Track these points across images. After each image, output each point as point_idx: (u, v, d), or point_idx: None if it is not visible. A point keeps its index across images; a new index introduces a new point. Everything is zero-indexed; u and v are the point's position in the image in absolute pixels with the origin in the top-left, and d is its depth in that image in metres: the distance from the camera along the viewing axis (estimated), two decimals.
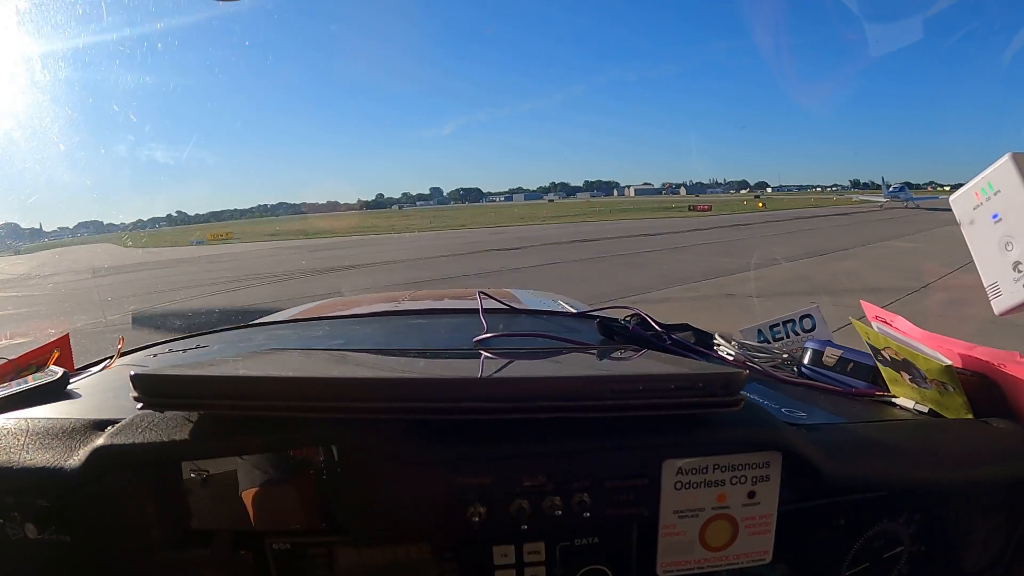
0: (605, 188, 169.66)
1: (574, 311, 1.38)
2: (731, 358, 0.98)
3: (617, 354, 0.82)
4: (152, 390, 0.51)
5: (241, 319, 1.69)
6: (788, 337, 1.09)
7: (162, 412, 0.54)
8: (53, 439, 0.58)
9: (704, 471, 0.56)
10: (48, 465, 0.55)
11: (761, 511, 0.58)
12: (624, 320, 1.00)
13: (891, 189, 41.14)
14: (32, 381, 0.81)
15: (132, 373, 0.51)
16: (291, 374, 0.64)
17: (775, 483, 0.58)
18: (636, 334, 0.93)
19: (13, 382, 0.86)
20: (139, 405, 0.51)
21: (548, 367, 0.72)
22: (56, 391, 0.79)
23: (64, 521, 0.56)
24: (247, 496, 0.64)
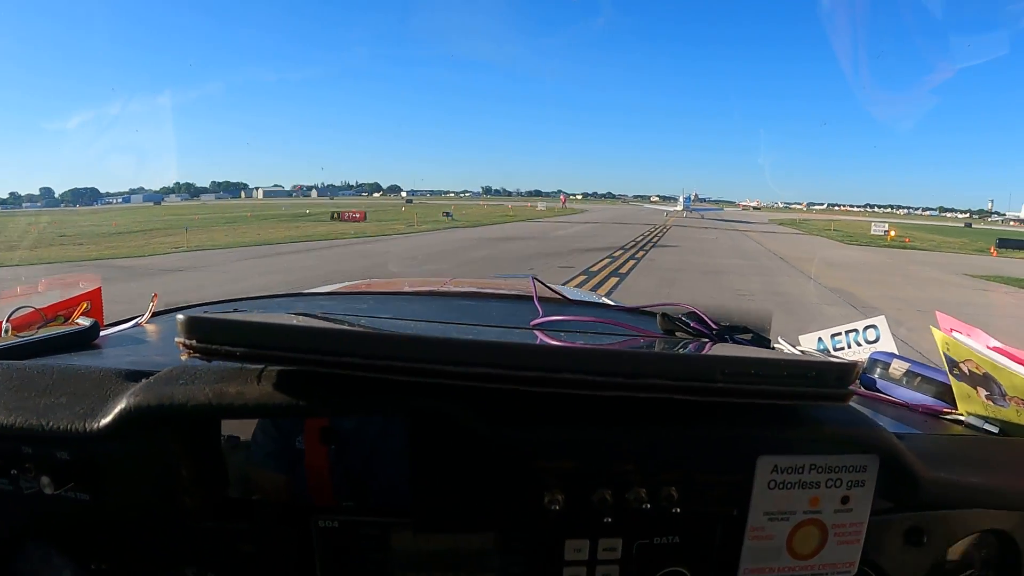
0: (233, 189, 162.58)
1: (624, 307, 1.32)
2: None
3: (692, 345, 0.76)
4: (205, 336, 0.45)
5: None
6: (850, 347, 1.05)
7: (209, 361, 0.48)
8: (80, 387, 0.52)
9: (800, 471, 0.53)
10: (72, 414, 0.50)
11: (852, 519, 0.55)
12: (680, 317, 0.94)
13: (685, 200, 56.97)
14: (60, 330, 0.76)
15: (181, 316, 0.46)
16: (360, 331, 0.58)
17: (870, 489, 0.54)
18: (699, 331, 0.87)
19: (40, 331, 0.82)
20: (186, 353, 0.46)
21: (633, 350, 0.67)
22: (85, 341, 0.74)
23: (85, 478, 0.51)
24: (276, 465, 0.58)
